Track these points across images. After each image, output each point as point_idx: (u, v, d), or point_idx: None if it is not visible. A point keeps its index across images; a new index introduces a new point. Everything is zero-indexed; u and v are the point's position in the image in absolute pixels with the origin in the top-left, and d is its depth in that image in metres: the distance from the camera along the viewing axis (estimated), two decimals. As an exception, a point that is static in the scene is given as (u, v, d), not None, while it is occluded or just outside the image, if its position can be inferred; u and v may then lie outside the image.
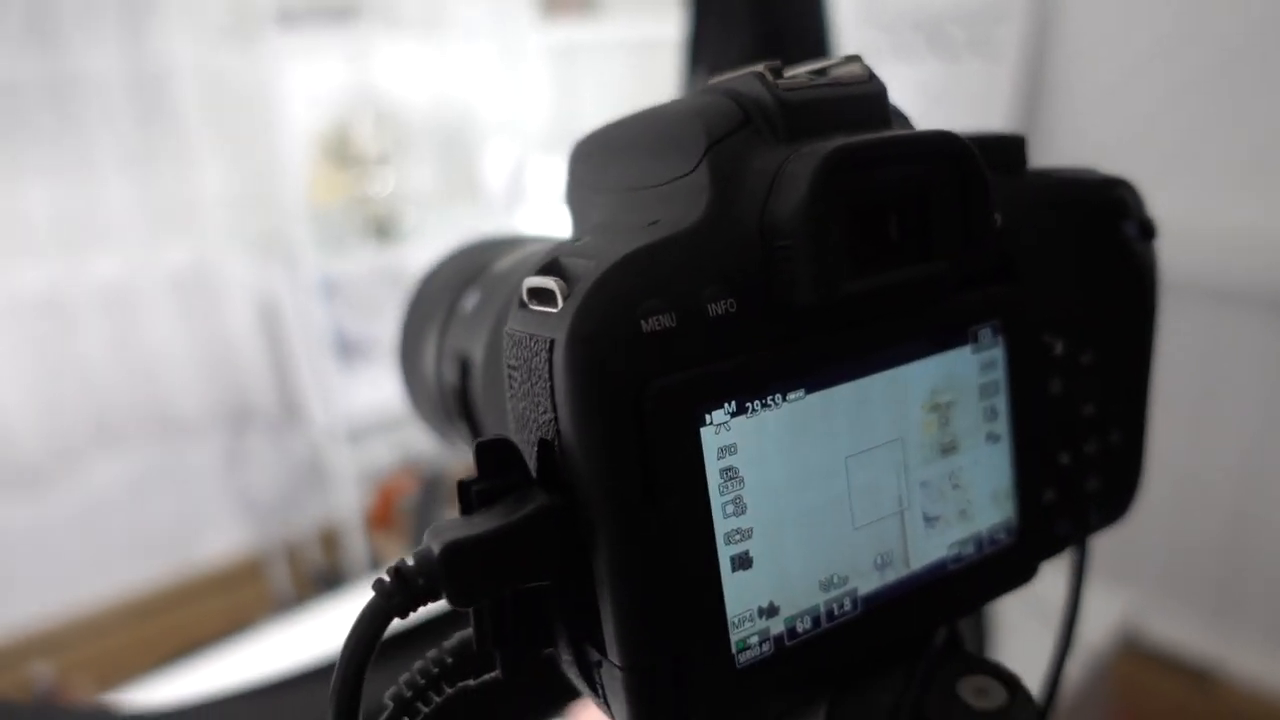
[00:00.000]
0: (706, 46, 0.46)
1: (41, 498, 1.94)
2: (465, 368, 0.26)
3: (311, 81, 2.07)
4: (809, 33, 0.46)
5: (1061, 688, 0.23)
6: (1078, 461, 0.20)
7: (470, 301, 0.28)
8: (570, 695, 0.43)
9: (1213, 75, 1.44)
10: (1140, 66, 1.52)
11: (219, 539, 2.21)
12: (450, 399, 0.28)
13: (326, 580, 2.16)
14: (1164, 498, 1.55)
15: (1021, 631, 1.01)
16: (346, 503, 2.08)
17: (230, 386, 2.12)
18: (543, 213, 2.21)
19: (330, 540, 2.30)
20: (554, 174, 2.24)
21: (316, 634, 0.99)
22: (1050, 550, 0.21)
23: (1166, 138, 1.51)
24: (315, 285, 1.95)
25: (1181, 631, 1.58)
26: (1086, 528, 0.21)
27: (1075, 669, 0.98)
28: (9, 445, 1.86)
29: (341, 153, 2.01)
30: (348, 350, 2.16)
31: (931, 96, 1.79)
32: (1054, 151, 1.64)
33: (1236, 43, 1.41)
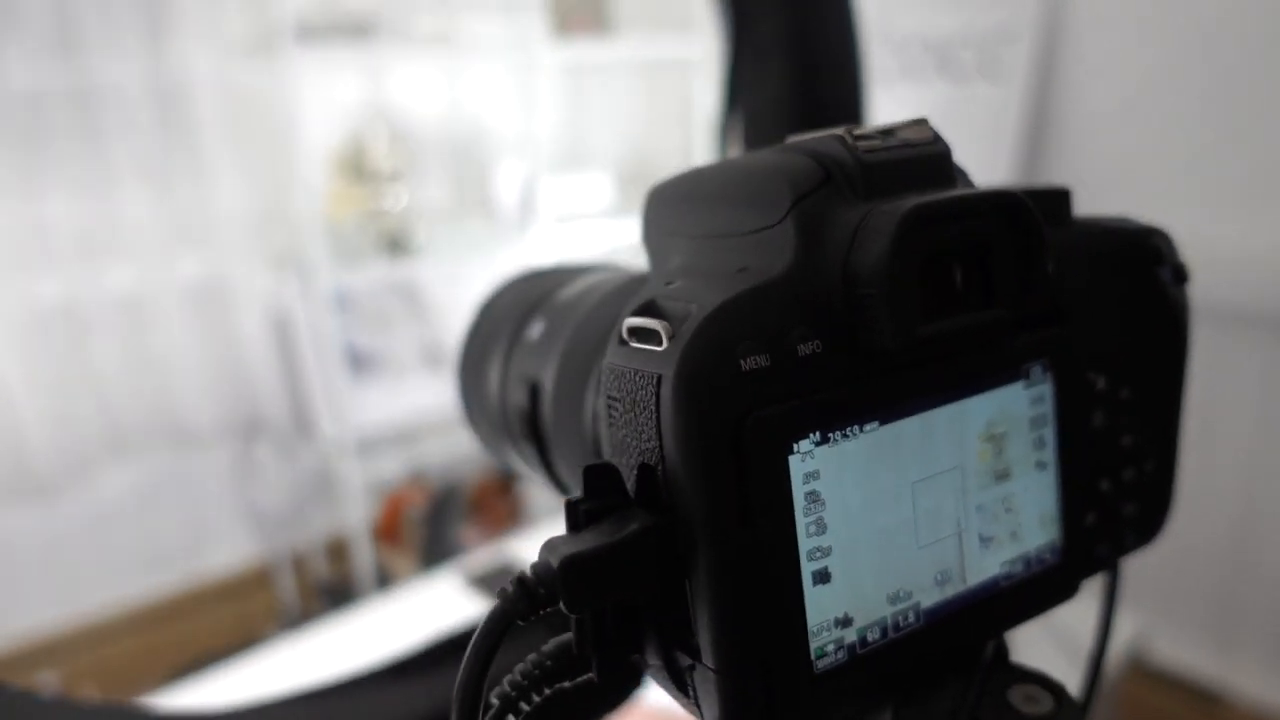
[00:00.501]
0: (742, 80, 0.48)
1: (52, 506, 1.95)
2: (534, 392, 0.28)
3: (327, 97, 2.10)
4: (844, 67, 0.47)
5: (1094, 703, 0.24)
6: (1117, 488, 0.22)
7: (535, 330, 0.30)
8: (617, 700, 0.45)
9: (1215, 99, 1.46)
10: (1144, 90, 1.54)
11: (227, 549, 2.22)
12: (515, 422, 0.30)
13: (333, 592, 2.17)
14: (1170, 519, 1.57)
15: (1033, 649, 1.03)
16: (354, 515, 2.09)
17: (241, 398, 2.14)
18: (553, 229, 2.24)
19: (338, 552, 2.31)
20: (561, 190, 2.27)
21: (325, 649, 1.00)
22: (1090, 570, 0.22)
23: (1170, 160, 1.53)
24: (328, 298, 1.97)
25: (1187, 652, 1.59)
26: (1122, 549, 0.23)
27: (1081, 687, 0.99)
28: (22, 454, 1.87)
29: (356, 168, 2.04)
30: (358, 363, 2.18)
31: (941, 117, 1.81)
32: (1060, 173, 1.67)
33: (1238, 67, 1.43)
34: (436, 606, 1.06)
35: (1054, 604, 0.22)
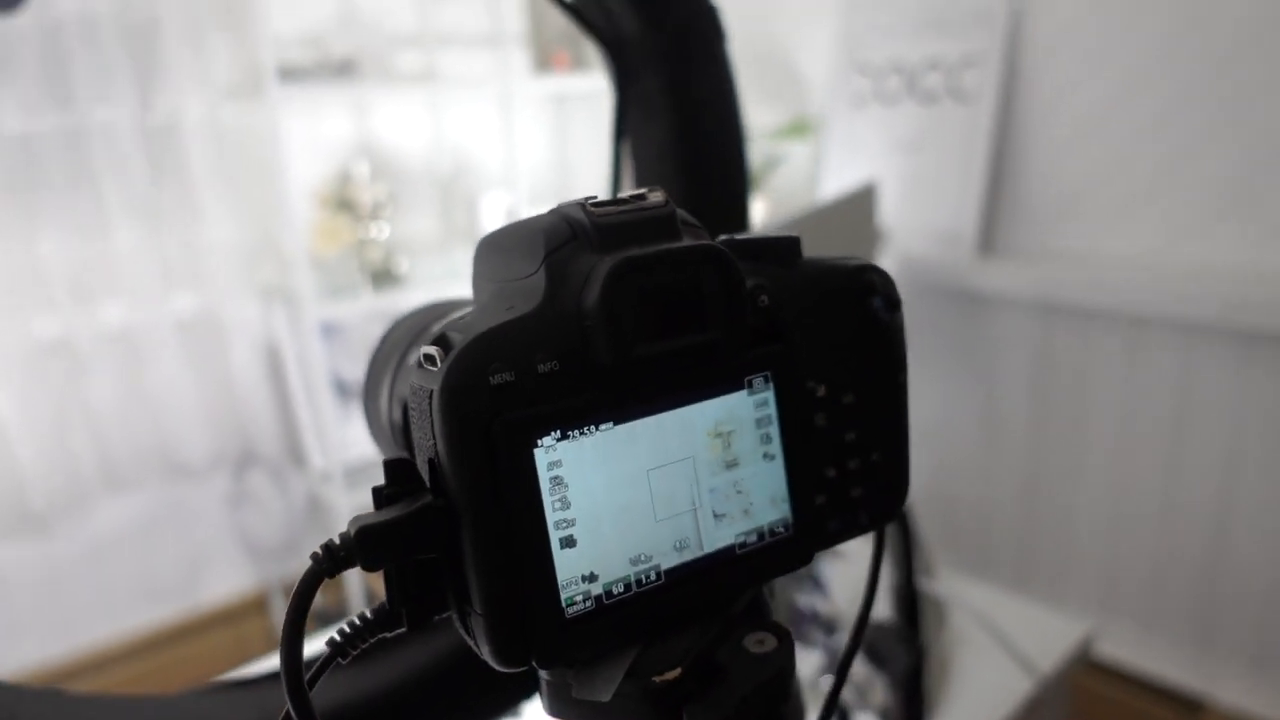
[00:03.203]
0: (630, 128, 0.54)
1: (50, 540, 2.00)
2: (405, 409, 0.34)
3: (313, 135, 2.18)
4: (721, 118, 0.53)
5: (860, 644, 0.29)
6: (843, 475, 0.28)
7: (413, 356, 0.35)
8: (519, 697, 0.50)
9: (1171, 117, 1.52)
10: (1105, 109, 1.61)
11: (223, 578, 2.27)
12: (397, 436, 0.35)
13: (326, 618, 2.21)
14: (1144, 528, 1.61)
15: (978, 647, 1.07)
16: (345, 540, 2.13)
17: (233, 430, 2.19)
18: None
19: (330, 580, 2.35)
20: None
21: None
22: (825, 542, 0.28)
23: (1130, 175, 1.59)
24: (316, 330, 2.03)
25: (1168, 658, 1.62)
26: (858, 525, 0.28)
27: (1029, 689, 1.03)
28: (19, 489, 1.92)
29: (342, 202, 2.10)
30: (345, 393, 2.23)
31: (912, 138, 1.88)
32: (1028, 187, 1.73)
33: (1192, 87, 1.49)
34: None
35: (790, 568, 0.27)
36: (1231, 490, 1.50)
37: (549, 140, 2.63)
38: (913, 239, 1.86)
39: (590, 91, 2.59)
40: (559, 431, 0.23)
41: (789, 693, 0.25)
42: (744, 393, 0.26)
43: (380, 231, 2.14)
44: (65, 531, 2.01)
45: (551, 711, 0.26)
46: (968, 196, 1.80)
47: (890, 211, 1.88)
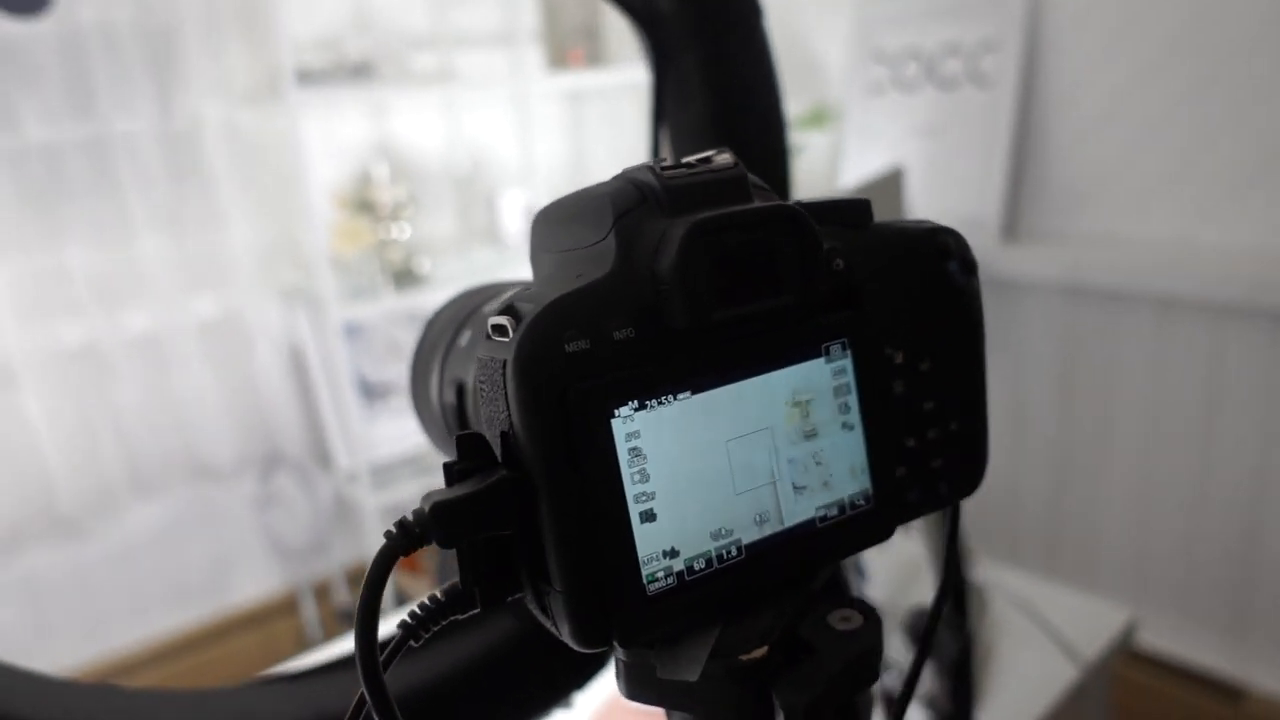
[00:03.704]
0: (668, 107, 0.53)
1: (80, 544, 2.02)
2: (460, 391, 0.33)
3: (331, 137, 2.18)
4: (758, 94, 0.52)
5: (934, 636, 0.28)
6: (923, 445, 0.27)
7: (464, 338, 0.35)
8: (571, 688, 0.49)
9: (1193, 98, 1.50)
10: (1125, 92, 1.59)
11: (251, 579, 2.28)
12: (450, 418, 0.34)
13: (354, 617, 2.22)
14: (1175, 513, 1.59)
15: (1020, 634, 1.06)
16: (372, 542, 2.14)
17: (259, 432, 2.20)
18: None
19: (358, 578, 2.36)
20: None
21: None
22: (905, 515, 0.27)
23: (1151, 157, 1.57)
24: (339, 331, 2.03)
25: (1208, 647, 1.59)
26: (939, 498, 0.27)
27: (1073, 677, 1.02)
28: (49, 494, 1.94)
29: (361, 204, 2.11)
30: (369, 393, 2.24)
31: (932, 124, 1.86)
32: (1049, 170, 1.71)
33: (1214, 68, 1.47)
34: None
35: (871, 542, 0.26)
36: (1265, 474, 1.47)
37: (565, 137, 2.63)
38: (935, 225, 1.83)
39: (606, 87, 2.58)
40: (636, 401, 0.22)
41: (877, 673, 0.24)
42: (821, 360, 0.25)
43: (401, 232, 2.14)
44: (94, 535, 2.03)
45: (630, 694, 0.25)
46: (990, 182, 1.78)
47: (911, 198, 1.86)
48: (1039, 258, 1.67)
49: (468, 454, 0.23)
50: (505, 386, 0.22)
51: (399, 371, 2.28)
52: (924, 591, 1.02)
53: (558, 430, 0.21)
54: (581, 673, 0.48)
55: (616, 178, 0.24)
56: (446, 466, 0.23)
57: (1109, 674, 1.13)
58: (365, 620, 0.21)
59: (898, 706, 0.29)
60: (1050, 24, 1.68)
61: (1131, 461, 1.63)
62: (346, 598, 2.34)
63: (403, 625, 0.23)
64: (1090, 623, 1.11)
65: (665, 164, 0.24)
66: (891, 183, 1.18)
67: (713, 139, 0.49)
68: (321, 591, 2.34)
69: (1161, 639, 1.63)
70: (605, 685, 0.46)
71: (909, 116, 1.91)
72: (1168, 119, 1.54)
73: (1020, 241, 1.75)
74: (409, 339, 2.30)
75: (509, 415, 0.22)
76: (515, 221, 2.33)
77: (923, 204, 1.86)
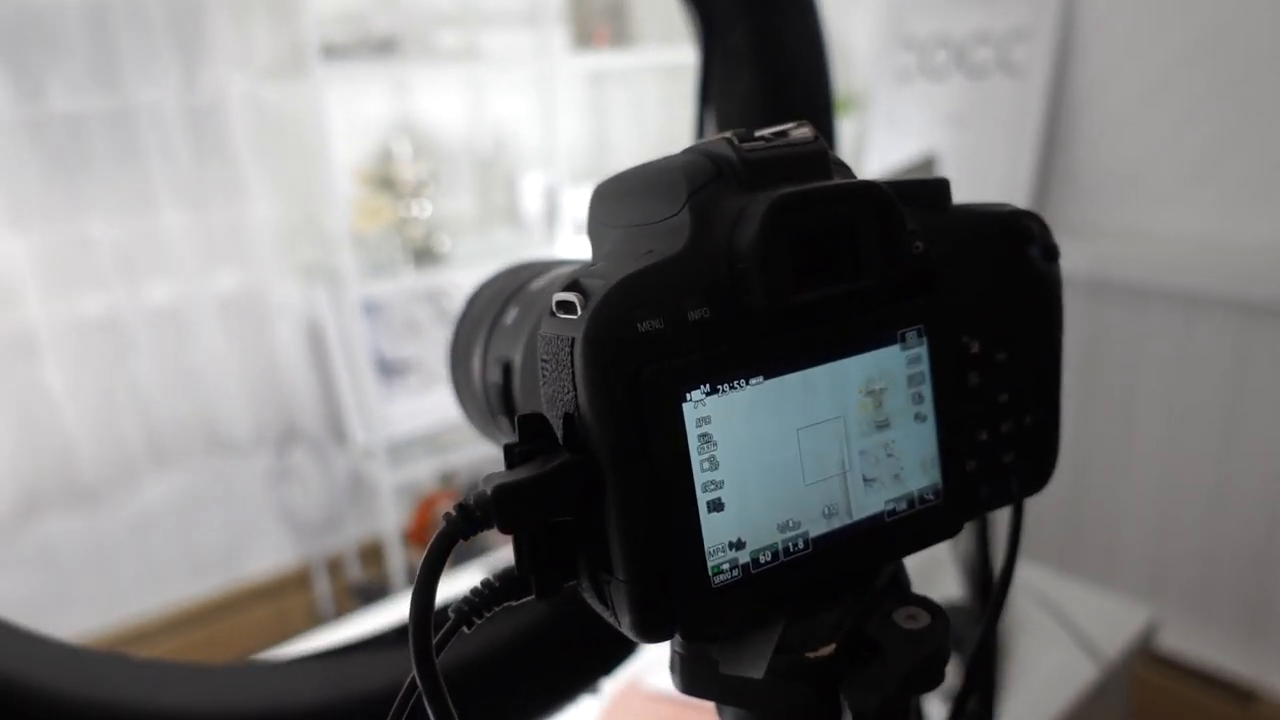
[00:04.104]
0: (715, 85, 0.52)
1: (98, 513, 2.03)
2: (507, 370, 0.32)
3: (354, 113, 2.17)
4: (809, 73, 0.51)
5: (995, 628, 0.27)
6: (995, 438, 0.26)
7: (510, 316, 0.34)
8: (600, 673, 0.49)
9: (1227, 91, 1.47)
10: (1158, 84, 1.56)
11: (266, 553, 2.29)
12: (494, 398, 0.34)
13: (367, 593, 2.23)
14: (1195, 514, 1.57)
15: (1040, 630, 1.04)
16: (387, 518, 2.15)
17: (277, 406, 2.21)
18: (576, 234, 2.28)
19: (372, 554, 2.37)
20: (585, 199, 2.31)
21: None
22: (974, 511, 0.26)
23: (1184, 150, 1.54)
24: (358, 308, 2.03)
25: (1221, 648, 1.58)
26: (1009, 494, 0.26)
27: (1093, 675, 1.01)
28: (69, 463, 1.95)
29: (383, 180, 2.10)
30: (388, 371, 2.24)
31: (960, 113, 1.83)
32: (1079, 161, 1.68)
33: (1250, 61, 1.44)
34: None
35: (938, 539, 0.25)
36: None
37: (588, 118, 2.61)
38: (962, 216, 1.81)
39: (630, 68, 2.56)
40: (708, 385, 0.21)
41: (943, 675, 0.23)
42: (897, 347, 0.24)
43: (422, 210, 2.13)
44: (113, 505, 2.04)
45: (687, 689, 0.24)
46: (1018, 173, 1.75)
47: (940, 188, 1.84)
48: (1065, 251, 1.61)
49: (529, 435, 0.22)
50: (573, 366, 0.21)
51: (417, 349, 2.28)
52: (945, 586, 1.01)
53: (628, 414, 0.20)
54: (609, 660, 0.47)
55: (688, 150, 0.23)
56: (507, 448, 0.22)
57: (1129, 674, 1.12)
58: (421, 605, 0.20)
59: (957, 706, 0.28)
60: (1083, 14, 1.65)
61: (1152, 460, 1.61)
62: (360, 573, 2.35)
63: (457, 611, 0.22)
64: (1111, 621, 1.09)
65: (742, 135, 0.22)
66: (923, 171, 1.16)
67: (760, 116, 0.48)
68: (335, 566, 2.36)
69: (1175, 639, 1.61)
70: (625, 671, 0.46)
71: (937, 105, 1.89)
72: (1198, 114, 1.51)
73: (1048, 234, 1.72)
74: (428, 317, 2.30)
75: (575, 396, 0.21)
76: (535, 202, 2.32)
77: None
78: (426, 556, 0.21)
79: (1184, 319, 1.53)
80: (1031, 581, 1.15)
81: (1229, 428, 1.50)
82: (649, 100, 2.65)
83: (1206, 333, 1.51)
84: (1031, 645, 1.04)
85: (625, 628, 0.22)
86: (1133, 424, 1.63)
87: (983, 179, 1.80)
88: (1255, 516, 1.49)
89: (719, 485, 0.21)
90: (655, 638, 0.22)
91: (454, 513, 0.21)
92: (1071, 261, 1.63)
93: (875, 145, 1.98)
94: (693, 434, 0.21)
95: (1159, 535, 1.63)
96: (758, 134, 0.23)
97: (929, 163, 1.18)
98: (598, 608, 0.23)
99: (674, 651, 0.24)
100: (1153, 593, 1.65)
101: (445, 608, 0.23)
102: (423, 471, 2.25)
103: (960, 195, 0.25)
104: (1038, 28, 1.71)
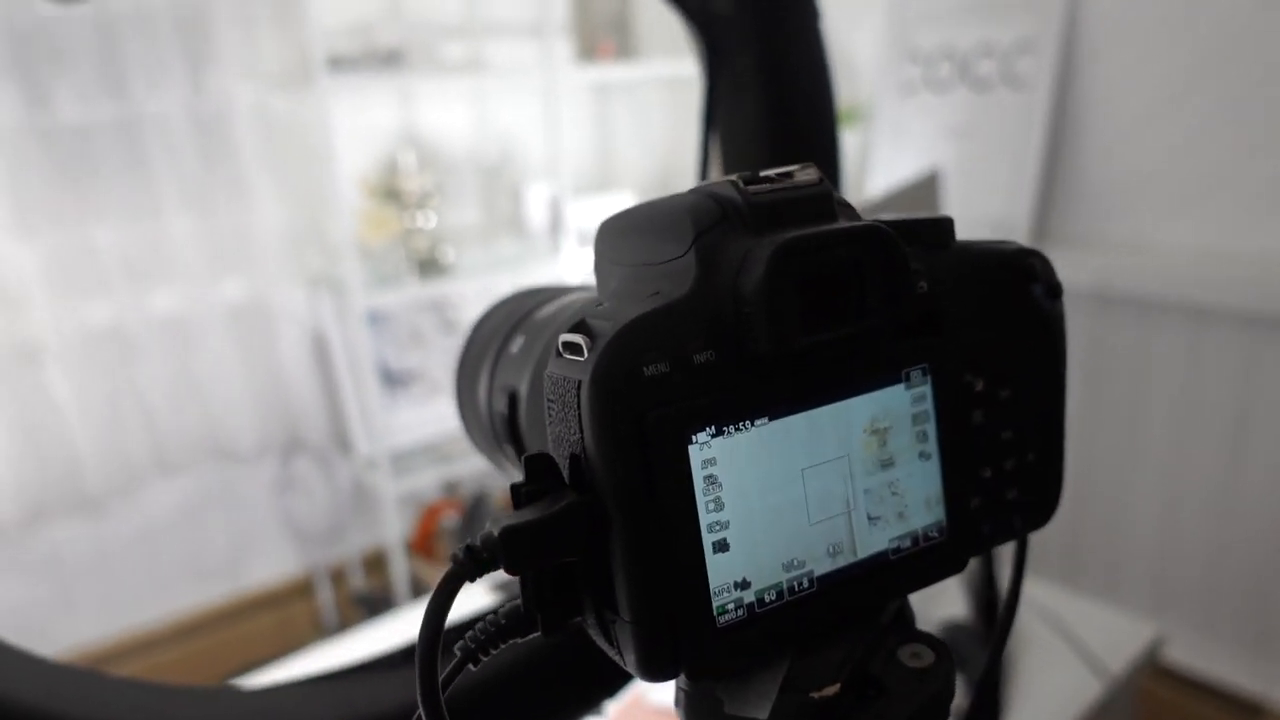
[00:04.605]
0: (720, 111, 0.52)
1: (103, 521, 2.04)
2: (513, 400, 0.32)
3: (360, 124, 2.18)
4: (814, 100, 0.51)
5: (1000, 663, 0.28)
6: (998, 476, 0.26)
7: (516, 345, 0.34)
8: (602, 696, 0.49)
9: (1230, 105, 1.47)
10: (1162, 97, 1.56)
11: (269, 562, 2.30)
12: (500, 427, 0.34)
13: (370, 602, 2.23)
14: (1200, 528, 1.56)
15: (1043, 646, 1.04)
16: (390, 528, 2.15)
17: (281, 416, 2.21)
18: (580, 246, 2.29)
19: (375, 564, 2.37)
20: (589, 211, 2.32)
21: (363, 656, 1.05)
22: (978, 548, 0.26)
23: (1187, 164, 1.54)
24: (362, 318, 2.04)
25: (1226, 662, 1.57)
26: (1012, 530, 0.26)
27: (1099, 691, 1.00)
28: (74, 471, 1.96)
29: (388, 191, 2.11)
30: (391, 381, 2.24)
31: (963, 125, 1.84)
32: (1083, 175, 1.69)
33: (1253, 74, 1.44)
34: (467, 614, 1.11)
35: (943, 575, 0.25)
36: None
37: (592, 130, 2.61)
38: (964, 228, 1.79)
39: (634, 81, 2.57)
40: (714, 427, 0.21)
41: (947, 713, 0.23)
42: (901, 386, 0.24)
43: (426, 221, 2.14)
44: (118, 513, 2.05)
45: (691, 726, 0.24)
46: (1022, 185, 1.75)
47: (943, 201, 1.84)
48: (1069, 263, 1.64)
49: (536, 475, 0.22)
50: (579, 408, 0.21)
51: (421, 359, 2.29)
52: (950, 605, 1.01)
53: (633, 456, 0.20)
54: (613, 683, 0.47)
55: (694, 191, 0.24)
56: (514, 488, 0.22)
57: (1134, 690, 1.12)
58: (428, 647, 0.20)
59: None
60: (1088, 26, 1.65)
61: (1158, 474, 1.61)
62: (362, 583, 2.35)
63: (463, 649, 0.23)
64: (1116, 637, 1.09)
65: (747, 178, 0.23)
66: (928, 185, 1.17)
67: (765, 142, 0.48)
68: (338, 576, 2.36)
69: (1181, 653, 1.61)
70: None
71: (941, 117, 1.89)
72: (1203, 127, 1.51)
73: (1051, 245, 1.72)
74: (432, 327, 2.30)
75: (582, 438, 0.21)
76: (540, 213, 2.32)
77: (952, 206, 1.83)
78: (433, 597, 0.21)
79: (1189, 332, 1.52)
80: (1036, 597, 1.14)
81: (1235, 441, 1.50)
82: (653, 112, 2.65)
83: (1212, 345, 1.50)
84: (1036, 662, 1.03)
85: (630, 666, 0.22)
86: (1138, 437, 1.63)
87: (986, 191, 1.80)
88: (1261, 530, 1.49)
89: (724, 526, 0.22)
90: (660, 677, 0.22)
91: (461, 555, 0.21)
92: (1076, 274, 1.63)
93: (879, 158, 1.98)
94: (698, 475, 0.21)
95: (1165, 549, 1.62)
96: (762, 174, 0.24)
97: (933, 179, 1.18)
98: (603, 646, 0.23)
99: (679, 689, 0.24)
100: (1158, 607, 1.64)
101: (451, 632, 0.23)
102: (426, 481, 2.25)
103: (964, 208, 0.26)
104: (1042, 40, 1.72)
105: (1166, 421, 1.58)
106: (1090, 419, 1.68)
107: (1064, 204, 1.74)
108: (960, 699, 0.75)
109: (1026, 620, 1.08)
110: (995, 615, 0.74)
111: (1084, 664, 1.02)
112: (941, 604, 1.04)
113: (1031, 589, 1.17)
